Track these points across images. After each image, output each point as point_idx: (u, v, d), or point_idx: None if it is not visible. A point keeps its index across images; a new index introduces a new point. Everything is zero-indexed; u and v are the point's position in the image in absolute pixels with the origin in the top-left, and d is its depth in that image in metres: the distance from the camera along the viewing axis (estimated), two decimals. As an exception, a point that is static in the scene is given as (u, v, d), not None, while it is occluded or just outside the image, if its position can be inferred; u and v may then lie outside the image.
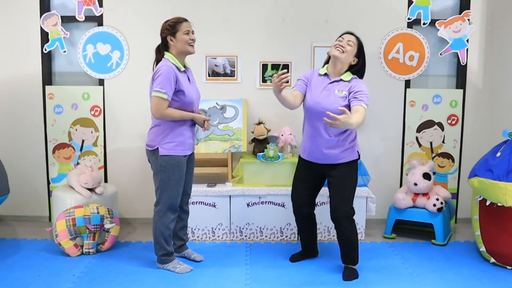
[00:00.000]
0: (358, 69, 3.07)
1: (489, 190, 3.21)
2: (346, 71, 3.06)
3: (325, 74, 3.10)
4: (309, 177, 3.21)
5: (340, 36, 3.08)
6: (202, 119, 3.11)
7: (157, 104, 2.93)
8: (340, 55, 2.99)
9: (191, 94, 3.05)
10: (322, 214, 3.67)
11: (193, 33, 3.04)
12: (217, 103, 3.96)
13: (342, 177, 3.07)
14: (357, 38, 3.06)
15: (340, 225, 3.08)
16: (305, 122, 3.17)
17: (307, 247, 3.41)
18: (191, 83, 3.11)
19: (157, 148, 3.03)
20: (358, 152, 3.12)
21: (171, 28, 2.99)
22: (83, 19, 4.01)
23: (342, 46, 3.00)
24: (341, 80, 3.04)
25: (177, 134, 3.03)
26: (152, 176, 3.12)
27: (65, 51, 4.04)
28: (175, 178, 3.04)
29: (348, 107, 2.95)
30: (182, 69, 3.04)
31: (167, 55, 3.02)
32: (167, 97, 2.92)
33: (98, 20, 4.03)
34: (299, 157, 3.27)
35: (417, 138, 4.17)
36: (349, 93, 2.98)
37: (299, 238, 3.77)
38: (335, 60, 3.03)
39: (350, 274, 3.11)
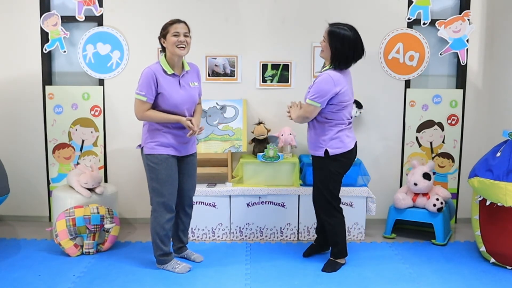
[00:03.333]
0: (333, 58, 3.05)
1: (489, 190, 3.21)
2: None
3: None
4: None
5: None
6: (186, 123, 2.99)
7: (137, 106, 3.00)
8: (323, 55, 3.13)
9: (174, 97, 2.99)
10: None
11: (185, 35, 2.98)
12: (217, 103, 3.96)
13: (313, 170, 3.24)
14: (329, 29, 3.05)
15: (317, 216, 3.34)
16: None
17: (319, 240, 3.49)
18: (181, 87, 3.04)
19: (143, 147, 3.07)
20: (327, 150, 3.08)
21: (162, 30, 3.04)
22: (83, 19, 4.00)
23: (321, 47, 3.11)
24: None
25: (160, 135, 3.04)
26: None
27: (65, 51, 4.04)
28: (162, 177, 3.03)
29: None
30: (170, 72, 3.01)
31: (160, 57, 3.06)
32: (146, 99, 2.96)
33: (98, 20, 4.03)
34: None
35: (417, 138, 4.17)
36: None
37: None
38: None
39: (328, 266, 3.22)
